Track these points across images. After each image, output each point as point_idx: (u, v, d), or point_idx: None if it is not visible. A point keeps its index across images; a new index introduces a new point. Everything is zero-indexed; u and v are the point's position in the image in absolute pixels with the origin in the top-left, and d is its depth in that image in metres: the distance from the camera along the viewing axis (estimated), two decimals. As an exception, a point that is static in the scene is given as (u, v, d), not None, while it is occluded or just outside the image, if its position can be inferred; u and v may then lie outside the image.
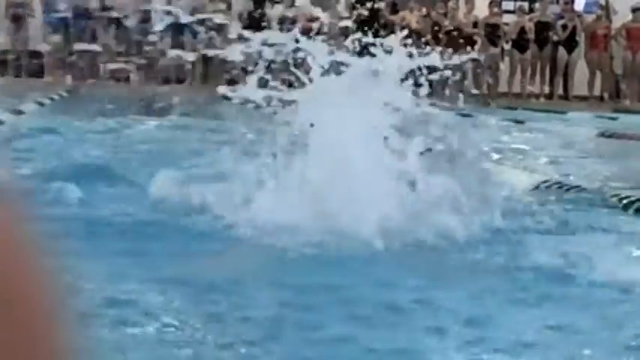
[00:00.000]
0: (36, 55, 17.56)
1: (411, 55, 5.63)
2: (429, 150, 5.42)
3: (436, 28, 18.42)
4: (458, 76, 8.14)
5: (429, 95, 5.68)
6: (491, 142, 10.06)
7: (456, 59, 6.41)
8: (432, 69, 5.84)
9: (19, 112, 10.86)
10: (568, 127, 12.84)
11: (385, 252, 4.51)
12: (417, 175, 5.20)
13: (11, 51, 17.49)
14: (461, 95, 6.99)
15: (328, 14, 16.50)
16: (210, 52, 16.84)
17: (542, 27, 18.56)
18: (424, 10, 18.69)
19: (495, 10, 18.63)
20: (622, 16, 18.76)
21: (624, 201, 5.96)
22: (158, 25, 17.05)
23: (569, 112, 15.85)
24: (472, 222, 4.98)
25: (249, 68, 5.74)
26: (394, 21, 18.21)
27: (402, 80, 5.48)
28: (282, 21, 16.77)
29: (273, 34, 5.98)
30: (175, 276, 4.01)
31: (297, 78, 5.58)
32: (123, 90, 14.74)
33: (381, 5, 17.84)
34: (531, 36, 18.51)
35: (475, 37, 18.61)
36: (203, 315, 3.58)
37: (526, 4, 19.75)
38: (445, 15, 18.68)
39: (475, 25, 18.64)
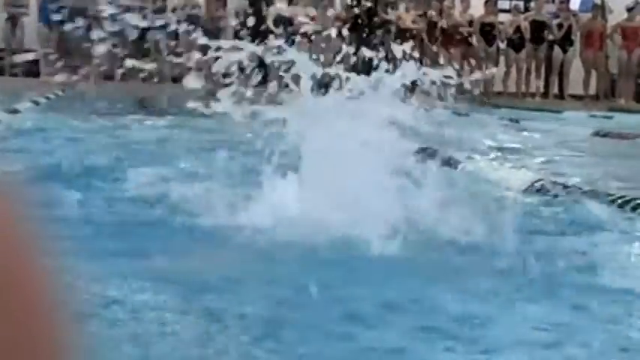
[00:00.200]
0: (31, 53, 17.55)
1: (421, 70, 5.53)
2: (425, 150, 5.42)
3: (432, 26, 18.44)
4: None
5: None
6: (487, 141, 10.08)
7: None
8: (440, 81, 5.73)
9: (15, 111, 10.87)
10: (563, 127, 12.85)
11: (384, 252, 4.51)
12: (414, 173, 5.21)
13: (7, 50, 17.50)
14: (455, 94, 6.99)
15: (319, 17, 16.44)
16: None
17: (538, 26, 18.59)
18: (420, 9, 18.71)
19: (491, 8, 18.66)
20: (617, 15, 18.78)
21: (619, 200, 5.97)
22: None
23: (564, 111, 15.87)
24: (469, 222, 4.99)
25: (227, 81, 5.42)
26: (390, 20, 18.22)
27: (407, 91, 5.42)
28: (278, 21, 16.76)
29: (247, 44, 5.66)
30: (170, 275, 4.02)
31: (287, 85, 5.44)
32: (120, 89, 14.71)
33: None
34: (527, 35, 18.53)
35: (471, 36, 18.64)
36: (197, 314, 3.58)
37: (521, 3, 19.78)
38: (441, 14, 18.69)
39: (471, 23, 18.66)
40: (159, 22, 14.68)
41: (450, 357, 3.29)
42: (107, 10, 8.38)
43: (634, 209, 5.80)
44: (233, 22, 16.51)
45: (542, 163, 8.82)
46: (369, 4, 17.45)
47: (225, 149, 5.89)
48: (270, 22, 16.45)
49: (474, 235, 4.84)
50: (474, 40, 18.70)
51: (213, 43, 5.51)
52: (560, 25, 18.57)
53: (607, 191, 6.36)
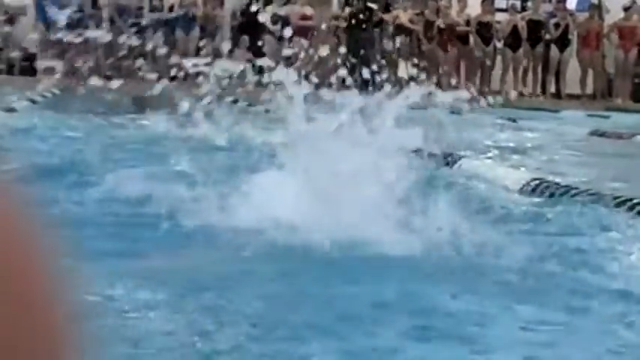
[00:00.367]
0: (28, 52, 17.55)
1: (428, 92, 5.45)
2: (420, 150, 5.42)
3: (429, 25, 18.46)
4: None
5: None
6: (484, 140, 10.08)
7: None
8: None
9: (12, 110, 10.86)
10: (560, 126, 12.86)
11: (382, 252, 4.51)
12: (411, 172, 5.20)
13: (3, 49, 17.50)
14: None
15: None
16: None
17: (535, 25, 18.60)
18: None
19: (488, 8, 18.67)
20: (614, 15, 18.80)
21: (616, 200, 5.96)
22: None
23: (561, 110, 15.88)
24: (465, 222, 4.98)
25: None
26: (387, 19, 18.23)
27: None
28: (275, 20, 16.75)
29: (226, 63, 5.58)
30: (164, 274, 4.01)
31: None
32: (119, 89, 14.69)
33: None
34: (524, 34, 18.54)
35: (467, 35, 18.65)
36: (193, 312, 3.58)
37: (518, 3, 19.79)
38: (438, 13, 18.71)
39: (468, 23, 18.68)
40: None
41: (447, 357, 3.28)
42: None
43: (630, 209, 5.79)
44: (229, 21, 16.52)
45: (539, 162, 8.82)
46: (366, 4, 17.45)
47: (223, 150, 5.89)
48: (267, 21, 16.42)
49: (470, 235, 4.83)
50: (470, 39, 18.71)
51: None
52: (557, 25, 18.58)
53: (604, 191, 6.36)
